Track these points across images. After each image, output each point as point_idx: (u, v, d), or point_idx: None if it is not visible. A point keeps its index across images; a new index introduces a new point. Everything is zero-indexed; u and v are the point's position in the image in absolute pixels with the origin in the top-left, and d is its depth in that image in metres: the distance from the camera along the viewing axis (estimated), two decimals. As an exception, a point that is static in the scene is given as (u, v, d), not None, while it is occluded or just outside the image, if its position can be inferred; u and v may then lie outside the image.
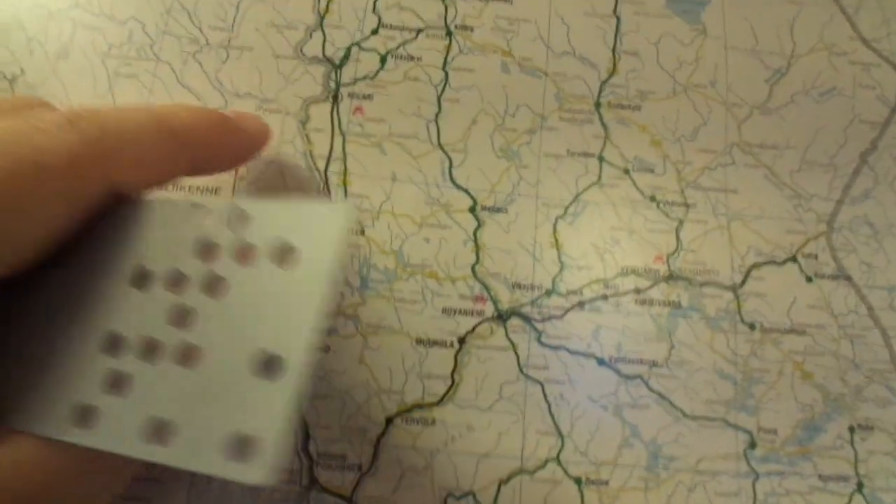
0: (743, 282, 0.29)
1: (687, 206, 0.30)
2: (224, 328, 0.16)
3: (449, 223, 0.29)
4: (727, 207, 0.30)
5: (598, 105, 0.30)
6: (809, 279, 0.30)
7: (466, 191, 0.29)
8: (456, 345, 0.28)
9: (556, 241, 0.29)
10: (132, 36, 0.30)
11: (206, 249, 0.17)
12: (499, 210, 0.29)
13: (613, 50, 0.31)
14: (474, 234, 0.29)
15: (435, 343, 0.28)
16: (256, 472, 0.14)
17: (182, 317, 0.16)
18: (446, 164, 0.30)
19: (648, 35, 0.31)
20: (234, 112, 0.26)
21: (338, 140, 0.29)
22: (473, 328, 0.28)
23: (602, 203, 0.30)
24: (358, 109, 0.30)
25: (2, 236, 0.16)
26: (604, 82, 0.31)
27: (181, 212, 0.18)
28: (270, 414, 0.14)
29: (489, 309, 0.28)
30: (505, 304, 0.28)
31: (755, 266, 0.30)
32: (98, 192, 0.18)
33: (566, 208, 0.29)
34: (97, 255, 0.18)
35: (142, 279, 0.17)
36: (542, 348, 0.28)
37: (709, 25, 0.32)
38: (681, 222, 0.30)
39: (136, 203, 0.19)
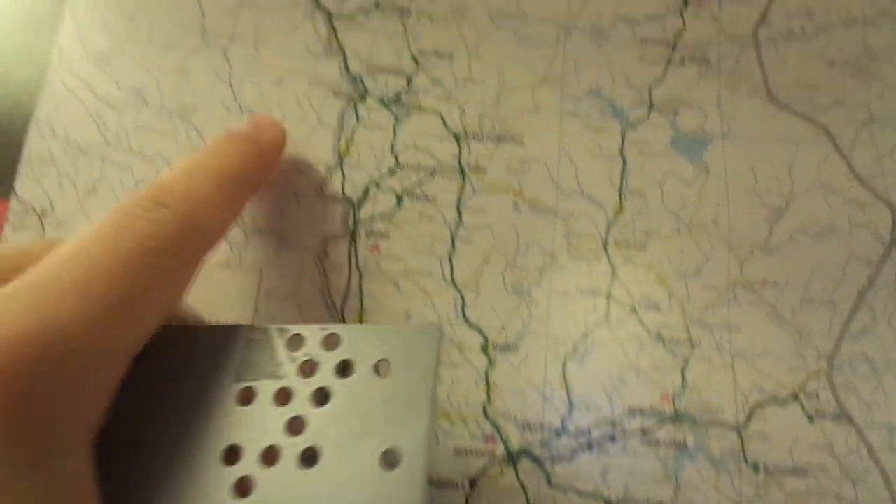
0: (747, 421, 0.30)
1: (692, 343, 0.31)
2: (338, 431, 0.19)
3: (461, 362, 0.30)
4: (731, 345, 0.31)
5: (605, 244, 0.32)
6: (811, 419, 0.31)
7: (479, 329, 0.31)
8: (467, 488, 0.28)
9: (566, 380, 0.30)
10: (159, 172, 0.32)
11: (307, 367, 0.20)
12: (510, 348, 0.30)
13: (620, 189, 0.33)
14: (486, 373, 0.30)
15: (446, 485, 0.28)
16: None
17: (296, 425, 0.19)
18: (459, 303, 0.31)
19: (653, 175, 0.33)
20: (251, 122, 0.28)
21: (355, 277, 0.31)
22: (484, 469, 0.29)
23: (610, 341, 0.31)
24: (375, 247, 0.31)
25: (137, 325, 0.19)
26: (611, 221, 0.32)
27: (271, 336, 0.21)
28: (403, 497, 0.17)
29: (500, 449, 0.29)
30: (515, 445, 0.29)
31: (758, 405, 0.31)
32: (198, 263, 0.21)
33: (575, 346, 0.31)
34: (198, 380, 0.20)
35: (249, 398, 0.20)
36: (551, 490, 0.29)
37: (711, 165, 0.33)
38: (686, 361, 0.31)
39: (216, 330, 0.22)
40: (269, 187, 0.32)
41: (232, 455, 0.19)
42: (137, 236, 0.19)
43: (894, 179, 0.35)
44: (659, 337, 0.32)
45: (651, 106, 0.34)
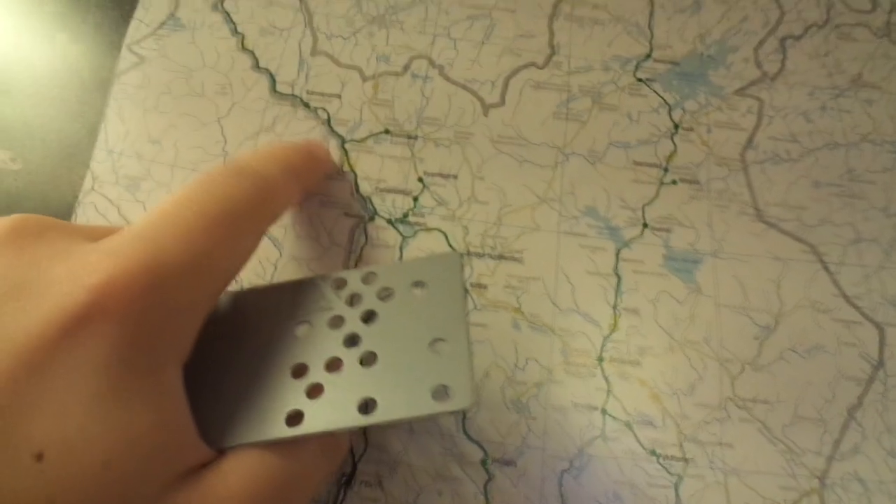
0: (745, 542, 0.31)
1: (686, 460, 0.32)
2: (390, 336, 0.24)
3: (461, 476, 0.31)
4: (724, 462, 0.33)
5: (600, 360, 0.33)
6: (807, 540, 0.31)
7: (478, 443, 0.32)
8: None
9: (562, 495, 0.31)
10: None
11: (353, 298, 0.25)
12: (508, 463, 0.32)
13: (614, 307, 0.34)
14: (484, 487, 0.31)
15: None
16: (458, 403, 0.21)
17: (351, 340, 0.24)
18: (460, 416, 0.32)
19: (647, 293, 0.35)
20: (306, 142, 0.34)
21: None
22: (482, 587, 0.30)
23: (605, 457, 0.32)
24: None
25: (229, 260, 0.23)
26: (605, 338, 0.34)
27: (317, 282, 0.26)
28: (456, 366, 0.22)
29: (498, 567, 0.30)
30: None
31: None
32: (264, 231, 0.26)
33: (571, 462, 0.32)
34: (262, 323, 0.25)
35: (307, 329, 0.25)
36: None
37: (702, 283, 0.35)
38: (680, 478, 0.32)
39: (272, 287, 0.27)
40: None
41: (300, 371, 0.24)
42: (224, 198, 0.23)
43: (881, 299, 0.36)
44: (653, 453, 0.33)
45: (645, 225, 0.37)
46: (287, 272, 0.35)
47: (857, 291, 0.37)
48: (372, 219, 0.36)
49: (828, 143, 0.39)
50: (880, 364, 0.35)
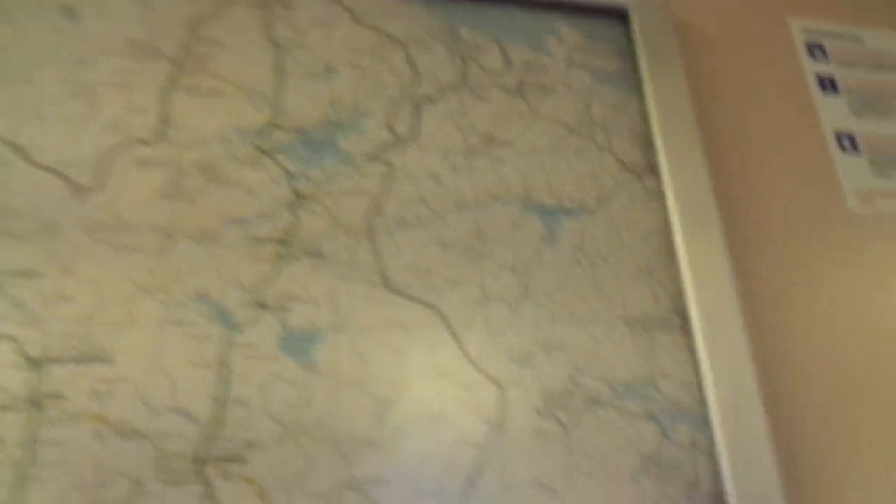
0: None
1: None
2: None
3: None
4: None
5: (201, 462, 0.31)
6: None
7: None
8: None
9: None
10: None
11: None
12: None
13: (220, 400, 0.33)
14: None
15: None
16: None
17: None
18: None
19: (258, 380, 0.33)
20: None
21: None
22: None
23: None
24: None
25: None
26: (208, 437, 0.32)
27: None
28: None
29: None
30: None
31: None
32: None
33: None
34: None
35: None
36: None
37: (320, 361, 0.35)
38: None
39: None
40: None
41: None
42: None
43: (504, 356, 0.38)
44: (256, 559, 0.31)
45: (261, 306, 0.35)
46: None
47: (482, 352, 0.38)
48: (-73, 331, 0.32)
49: (458, 204, 0.41)
50: (500, 424, 0.36)
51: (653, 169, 0.46)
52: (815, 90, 0.54)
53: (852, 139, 0.52)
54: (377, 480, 0.35)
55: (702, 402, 0.40)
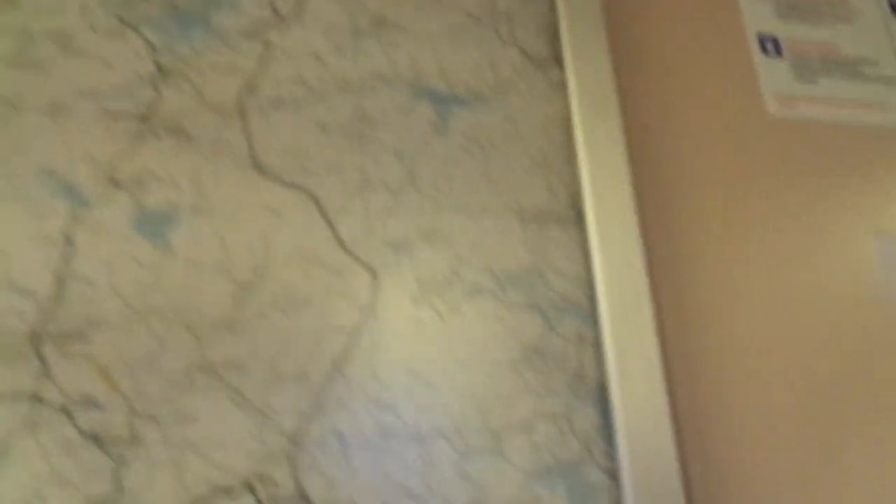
0: (186, 522, 0.28)
1: (136, 442, 0.29)
2: None
3: None
4: (183, 438, 0.30)
5: (36, 338, 0.29)
6: (263, 507, 0.30)
7: None
8: None
9: None
10: None
11: None
12: None
13: (60, 277, 0.30)
14: None
15: None
16: None
17: None
18: None
19: (105, 258, 0.31)
20: None
21: None
22: None
23: (31, 451, 0.28)
24: None
25: None
26: (45, 312, 0.30)
27: None
28: None
29: None
30: None
31: (200, 499, 0.29)
32: None
33: None
34: None
35: None
36: None
37: (176, 243, 0.32)
38: (125, 462, 0.29)
39: None
40: None
41: None
42: None
43: (381, 243, 0.36)
44: (95, 439, 0.29)
45: (114, 184, 0.33)
46: None
47: (357, 238, 0.36)
48: None
49: (341, 86, 0.38)
50: (371, 311, 0.35)
51: (557, 61, 0.44)
52: (744, -7, 0.52)
53: (776, 42, 0.50)
54: (234, 364, 0.33)
55: (591, 297, 0.39)
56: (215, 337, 0.33)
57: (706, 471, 0.36)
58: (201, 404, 0.32)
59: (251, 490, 0.31)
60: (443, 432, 0.34)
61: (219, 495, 0.31)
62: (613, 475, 0.35)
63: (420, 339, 0.35)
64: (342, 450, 0.33)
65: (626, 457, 0.34)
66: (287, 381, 0.33)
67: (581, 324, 0.38)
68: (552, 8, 0.45)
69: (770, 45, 0.51)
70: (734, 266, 0.42)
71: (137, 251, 0.33)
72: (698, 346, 0.39)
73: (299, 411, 0.33)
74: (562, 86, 0.43)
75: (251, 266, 0.35)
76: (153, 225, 0.34)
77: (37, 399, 0.30)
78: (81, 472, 0.30)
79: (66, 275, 0.32)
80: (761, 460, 0.38)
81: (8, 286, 0.32)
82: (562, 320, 0.38)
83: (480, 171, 0.40)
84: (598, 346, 0.38)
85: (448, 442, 0.34)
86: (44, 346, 0.31)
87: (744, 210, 0.44)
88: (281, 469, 0.32)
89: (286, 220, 0.36)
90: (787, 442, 0.38)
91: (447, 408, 0.35)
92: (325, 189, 0.37)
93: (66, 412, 0.30)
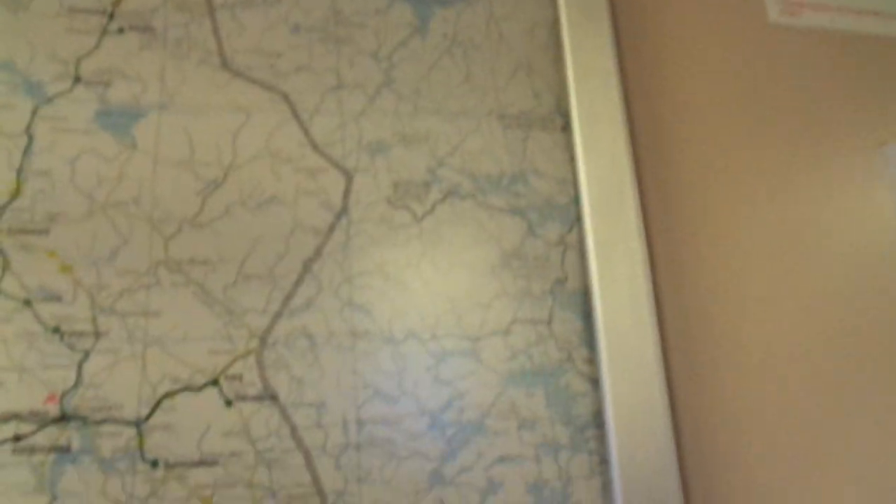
0: (150, 415, 0.28)
1: (98, 335, 0.29)
2: None
3: None
4: (146, 333, 0.29)
5: None
6: (229, 403, 0.29)
7: None
8: None
9: None
10: None
11: None
12: None
13: (19, 170, 0.30)
14: None
15: None
16: None
17: None
18: None
19: (66, 153, 0.31)
20: None
21: None
22: None
23: None
24: None
25: None
26: (4, 206, 0.29)
27: None
28: None
29: None
30: None
31: (168, 395, 0.29)
32: None
33: None
34: None
35: None
36: None
37: (140, 139, 0.32)
38: (87, 354, 0.28)
39: None
40: None
41: None
42: None
43: (355, 145, 0.34)
44: (56, 331, 0.29)
45: (77, 79, 0.32)
46: None
47: (330, 140, 0.35)
48: None
49: (312, -15, 0.37)
50: (343, 211, 0.33)
51: (546, -38, 0.42)
52: None
53: (783, -53, 0.47)
54: (200, 261, 0.32)
55: (575, 200, 0.37)
56: (180, 234, 0.32)
57: (690, 375, 0.35)
58: (166, 301, 0.31)
59: (217, 386, 0.31)
60: (417, 335, 0.33)
61: (183, 390, 0.30)
62: (594, 381, 0.34)
63: (395, 241, 0.34)
64: (312, 350, 0.32)
65: (607, 362, 0.33)
66: (255, 281, 0.32)
67: (564, 228, 0.36)
68: None
69: (777, -49, 0.48)
70: (728, 177, 0.40)
71: (100, 146, 0.33)
72: (686, 254, 0.38)
73: (267, 311, 0.32)
74: (549, -13, 0.41)
75: (218, 163, 0.34)
76: (117, 119, 0.33)
77: (-3, 291, 0.30)
78: (44, 364, 0.29)
79: (27, 170, 0.31)
80: (748, 362, 0.36)
81: (-33, 178, 0.31)
82: (544, 224, 0.36)
83: (462, 74, 0.38)
84: (581, 251, 0.36)
85: (423, 345, 0.33)
86: (3, 239, 0.30)
87: (741, 120, 0.42)
88: (248, 367, 0.31)
89: (256, 120, 0.35)
90: (779, 350, 0.37)
91: (422, 311, 0.34)
92: (297, 90, 0.36)
93: (29, 305, 0.30)
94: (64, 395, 0.29)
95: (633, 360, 0.33)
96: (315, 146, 0.35)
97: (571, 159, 0.38)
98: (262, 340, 0.32)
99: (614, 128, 0.38)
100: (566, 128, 0.38)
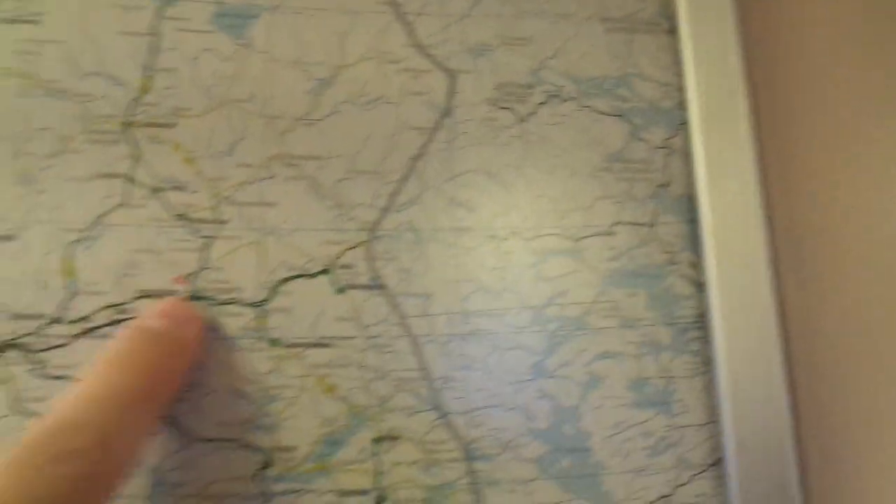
0: (268, 298, 0.30)
1: (219, 222, 0.31)
2: None
3: (-54, 257, 0.29)
4: (263, 222, 0.31)
5: (127, 125, 0.31)
6: (341, 290, 0.31)
7: (-28, 221, 0.29)
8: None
9: (69, 267, 0.29)
10: None
11: None
12: (8, 238, 0.29)
13: (147, 67, 0.31)
14: (-22, 265, 0.29)
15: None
16: None
17: None
18: (-48, 195, 0.29)
19: (188, 52, 0.32)
20: (167, 315, 0.29)
21: None
22: (-39, 364, 0.28)
23: (126, 225, 0.30)
24: None
25: None
26: (134, 101, 0.31)
27: None
28: None
29: (-17, 343, 0.28)
30: (2, 336, 0.28)
31: (284, 280, 0.30)
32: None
33: (84, 233, 0.29)
34: None
35: None
36: (40, 380, 0.28)
37: (255, 39, 0.33)
38: (210, 240, 0.30)
39: None
40: None
41: None
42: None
43: (457, 46, 0.35)
44: (182, 217, 0.31)
45: (195, -19, 0.33)
46: None
47: (433, 41, 0.35)
48: None
49: None
50: (447, 111, 0.34)
51: None
52: None
53: None
54: (311, 156, 0.33)
55: (680, 105, 0.36)
56: (293, 130, 0.33)
57: (800, 278, 0.34)
58: (280, 193, 0.33)
59: (329, 274, 0.32)
60: (520, 233, 0.33)
61: (298, 277, 0.32)
62: (698, 285, 0.34)
63: (498, 141, 0.34)
64: (418, 244, 0.33)
65: (714, 266, 0.33)
66: (364, 176, 0.33)
67: (669, 133, 0.36)
68: None
69: None
70: (848, 90, 0.38)
71: (218, 45, 0.34)
72: (798, 159, 0.36)
73: (375, 205, 0.33)
74: None
75: (327, 63, 0.34)
76: (232, 19, 0.34)
77: (129, 180, 0.32)
78: (171, 246, 0.31)
79: (153, 67, 0.33)
80: (861, 276, 0.35)
81: (103, 75, 0.33)
82: (648, 128, 0.36)
83: (565, -25, 0.37)
84: (686, 155, 0.35)
85: (525, 243, 0.33)
86: (134, 131, 0.32)
87: (865, 34, 0.40)
88: (358, 258, 0.32)
89: (361, 21, 0.35)
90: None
91: (524, 210, 0.34)
92: (401, -9, 0.36)
93: (156, 192, 0.32)
94: (192, 276, 0.31)
95: (741, 264, 0.33)
96: (419, 47, 0.35)
97: (677, 63, 0.37)
98: (371, 233, 0.33)
99: (725, 32, 0.36)
100: (672, 31, 0.37)
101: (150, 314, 0.28)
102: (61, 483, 0.20)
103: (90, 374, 0.25)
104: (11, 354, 0.29)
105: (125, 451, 0.23)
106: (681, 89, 0.36)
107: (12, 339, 0.29)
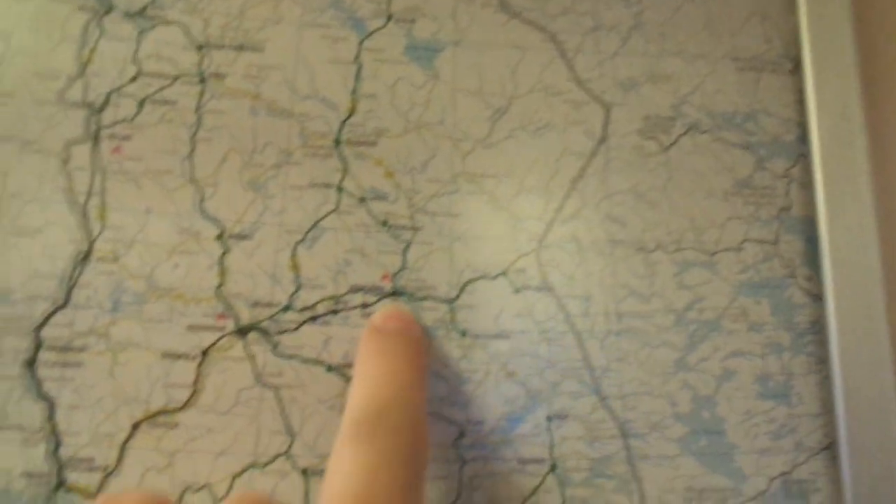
0: (458, 296, 0.35)
1: (415, 229, 0.36)
2: None
3: (197, 249, 0.34)
4: (451, 230, 0.36)
5: (337, 142, 0.36)
6: (517, 291, 0.36)
7: (215, 220, 0.35)
8: (199, 357, 0.33)
9: (295, 263, 0.35)
10: None
11: None
12: (244, 237, 0.35)
13: (353, 92, 0.37)
14: (220, 259, 0.34)
15: (179, 356, 0.33)
16: None
17: None
18: (198, 198, 0.35)
19: (386, 79, 0.37)
20: (393, 318, 0.34)
21: (98, 177, 0.34)
22: (215, 342, 0.33)
23: (339, 229, 0.36)
24: (116, 149, 0.35)
25: None
26: (343, 121, 0.36)
27: None
28: None
29: (230, 325, 0.34)
30: (245, 321, 0.34)
31: (470, 281, 0.36)
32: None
33: (305, 234, 0.35)
34: None
35: None
36: (276, 358, 0.33)
37: (441, 70, 0.38)
38: (408, 244, 0.36)
39: None
40: (8, 97, 0.35)
41: None
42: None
43: (612, 81, 0.40)
44: (385, 223, 0.36)
45: (389, 17, 0.39)
46: (15, 66, 0.36)
47: (590, 76, 0.40)
48: (108, 12, 0.37)
49: (575, -64, 0.41)
50: (603, 140, 0.39)
51: (779, -86, 0.45)
52: None
53: None
54: (489, 174, 0.39)
55: (800, 138, 0.41)
56: (474, 150, 0.39)
57: (906, 295, 0.40)
58: (464, 205, 0.38)
59: (506, 277, 0.38)
60: (664, 246, 0.39)
61: (481, 278, 0.37)
62: (814, 296, 0.39)
63: (645, 167, 0.40)
64: (579, 253, 0.38)
65: (831, 279, 0.38)
66: (533, 192, 0.39)
67: (789, 163, 0.41)
68: None
69: None
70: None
71: (410, 74, 0.39)
72: (903, 191, 0.42)
73: (543, 218, 0.39)
74: (784, -61, 0.44)
75: (501, 93, 0.40)
76: (421, 52, 0.40)
77: (339, 189, 0.37)
78: (378, 250, 0.37)
79: (357, 91, 0.39)
80: (956, 296, 0.40)
81: (316, 97, 0.38)
82: (771, 159, 0.41)
83: (702, 19, 0.42)
84: (806, 183, 0.41)
85: (668, 255, 0.39)
86: (343, 148, 0.38)
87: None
88: (529, 263, 0.38)
89: (529, 56, 0.41)
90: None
91: (667, 226, 0.39)
92: (562, 30, 0.41)
93: (363, 202, 0.37)
94: (394, 275, 0.37)
95: (856, 276, 0.38)
96: (579, 81, 0.41)
97: (798, 101, 0.42)
98: (540, 242, 0.38)
99: (846, 72, 0.41)
100: (794, 71, 0.43)
101: (384, 318, 0.34)
102: (391, 453, 0.26)
103: (368, 365, 0.30)
104: (254, 336, 0.35)
105: (426, 431, 0.29)
106: (800, 124, 0.42)
107: (254, 324, 0.35)
